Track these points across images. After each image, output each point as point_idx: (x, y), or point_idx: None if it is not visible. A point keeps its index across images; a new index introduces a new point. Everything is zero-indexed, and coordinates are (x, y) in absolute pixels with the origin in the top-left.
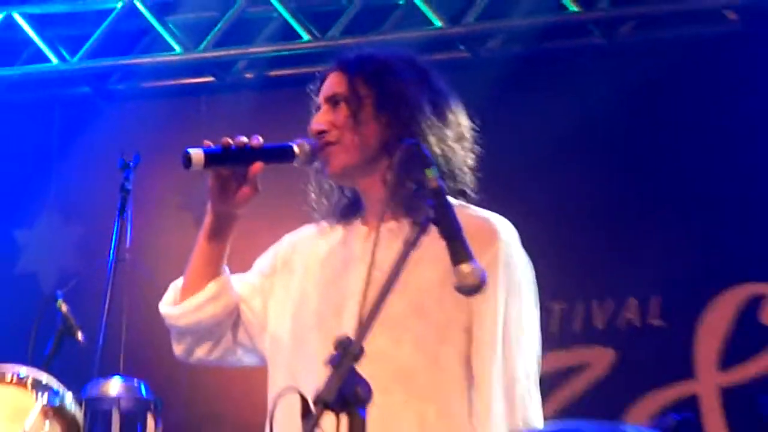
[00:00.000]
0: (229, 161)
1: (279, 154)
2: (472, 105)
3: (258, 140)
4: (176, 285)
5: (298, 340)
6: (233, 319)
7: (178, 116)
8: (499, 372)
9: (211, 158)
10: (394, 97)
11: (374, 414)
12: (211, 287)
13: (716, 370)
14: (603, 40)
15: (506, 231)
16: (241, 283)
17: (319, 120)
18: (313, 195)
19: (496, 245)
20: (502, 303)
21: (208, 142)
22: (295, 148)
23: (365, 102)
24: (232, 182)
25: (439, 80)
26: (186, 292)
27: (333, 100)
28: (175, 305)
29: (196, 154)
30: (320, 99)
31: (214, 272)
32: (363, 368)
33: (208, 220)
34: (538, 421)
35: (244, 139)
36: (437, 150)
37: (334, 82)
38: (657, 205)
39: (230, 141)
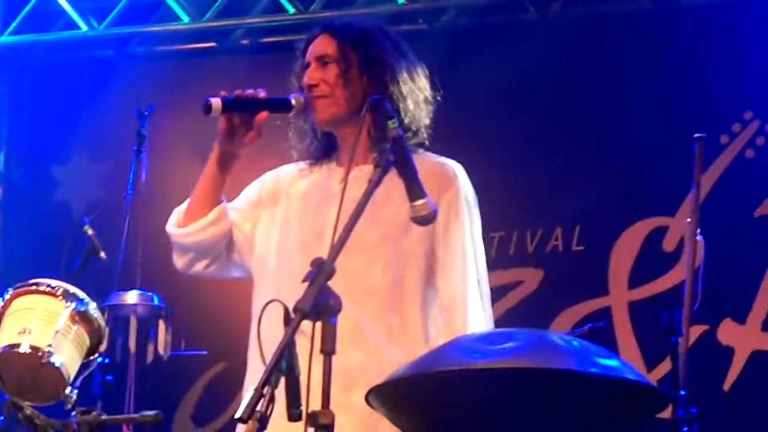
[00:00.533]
0: (240, 108)
1: (279, 105)
2: (430, 69)
3: (263, 93)
4: (180, 209)
5: (282, 260)
6: (227, 240)
7: (185, 75)
8: (474, 285)
9: (226, 105)
10: (376, 61)
11: (349, 322)
12: (213, 213)
13: (626, 288)
14: (537, 15)
15: (461, 173)
16: (232, 211)
17: (312, 76)
18: (292, 140)
19: (456, 184)
20: (468, 229)
21: (223, 93)
22: (293, 101)
23: (352, 64)
24: (240, 126)
25: (408, 49)
26: (190, 216)
27: (323, 60)
28: (181, 226)
29: (215, 101)
30: (309, 58)
31: (215, 200)
32: (341, 284)
33: (214, 156)
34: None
35: (251, 91)
36: (407, 106)
37: (323, 44)
38: (579, 153)
39: (242, 93)
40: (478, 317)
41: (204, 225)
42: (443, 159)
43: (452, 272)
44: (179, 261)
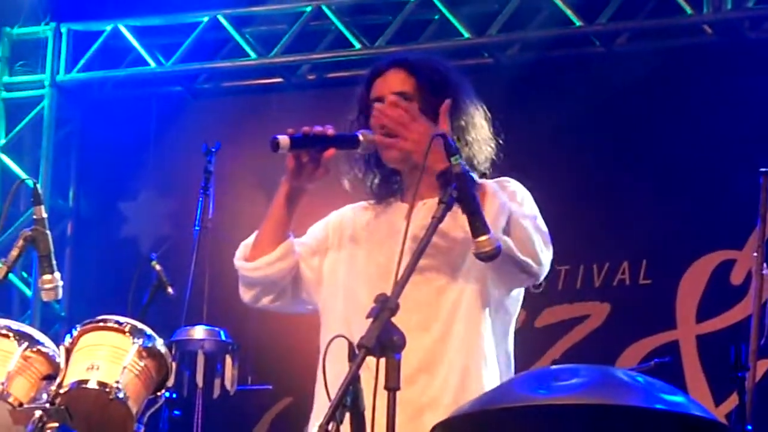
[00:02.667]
0: (308, 145)
1: (347, 142)
2: (495, 101)
3: (331, 130)
4: (247, 243)
5: (348, 295)
6: (294, 275)
7: (252, 111)
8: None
9: (294, 143)
10: (454, 104)
11: (417, 352)
12: (281, 248)
13: (694, 322)
14: (602, 49)
15: (512, 181)
16: (300, 246)
17: (386, 112)
18: (353, 176)
19: (510, 185)
20: (528, 200)
21: (291, 130)
22: (360, 137)
23: (431, 103)
24: (308, 163)
25: (471, 86)
26: (258, 250)
27: (402, 96)
28: (249, 260)
29: (283, 139)
30: (383, 92)
31: (283, 236)
32: (411, 314)
33: (282, 192)
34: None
35: (320, 128)
36: (471, 143)
37: (400, 80)
38: (647, 187)
39: (310, 129)
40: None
41: (272, 260)
42: (500, 178)
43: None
44: (246, 295)
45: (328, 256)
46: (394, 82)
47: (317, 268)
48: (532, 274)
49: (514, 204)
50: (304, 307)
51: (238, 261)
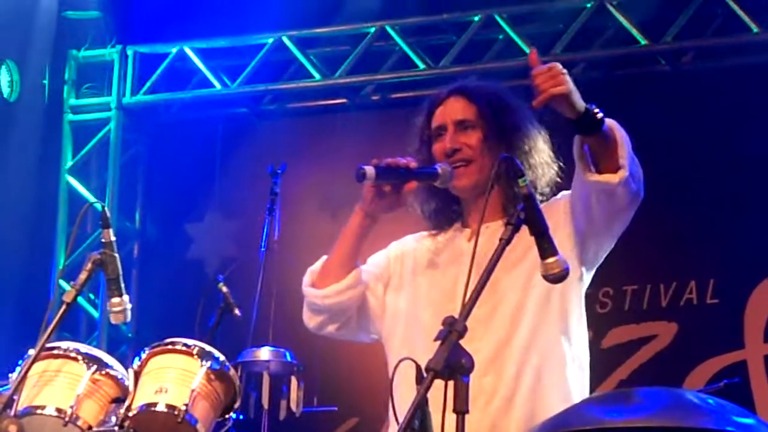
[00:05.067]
0: (392, 177)
1: (427, 175)
2: (559, 122)
3: (414, 162)
4: (314, 270)
5: (413, 319)
6: (360, 303)
7: (316, 132)
8: None
9: (380, 174)
10: (515, 128)
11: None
12: (351, 276)
13: (762, 341)
14: (668, 68)
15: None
16: (365, 274)
17: (454, 141)
18: (418, 204)
19: (563, 198)
20: None
21: (375, 161)
22: (439, 170)
23: (493, 130)
24: (389, 194)
25: (533, 113)
26: (327, 277)
27: (463, 125)
28: (318, 287)
29: (369, 170)
30: (445, 121)
31: (353, 264)
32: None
33: (355, 220)
34: None
35: (403, 161)
36: (536, 166)
37: (461, 108)
38: (714, 206)
39: (394, 162)
40: None
41: (342, 288)
42: (559, 194)
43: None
44: (311, 321)
45: (390, 286)
46: (455, 110)
47: (381, 296)
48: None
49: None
50: (368, 337)
51: (307, 288)
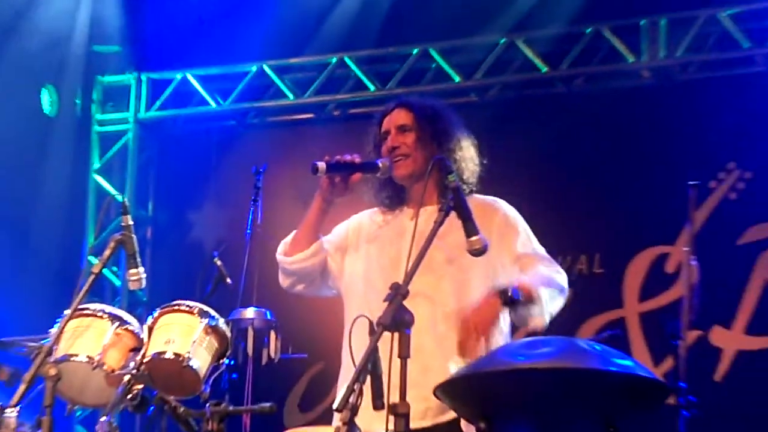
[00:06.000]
0: (340, 170)
1: (370, 168)
2: (481, 133)
3: (358, 158)
4: (286, 241)
5: (367, 283)
6: (322, 267)
7: (290, 139)
8: (540, 248)
9: (330, 167)
10: (443, 131)
11: (425, 320)
12: (313, 247)
13: (637, 302)
14: (564, 89)
15: (501, 201)
16: (327, 243)
17: (395, 140)
18: (372, 191)
19: (498, 208)
20: (521, 227)
21: (327, 158)
22: (380, 164)
23: (426, 132)
24: (339, 183)
25: (461, 121)
26: (295, 247)
27: (402, 128)
28: (288, 255)
29: (321, 164)
30: (389, 126)
31: (315, 237)
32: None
33: (316, 203)
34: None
35: (349, 157)
36: (462, 164)
37: (402, 116)
38: (600, 197)
39: (342, 158)
40: (554, 266)
41: (306, 256)
42: (488, 197)
43: (525, 256)
44: (284, 282)
45: (348, 252)
46: (397, 118)
47: (340, 262)
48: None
49: (520, 245)
50: (329, 292)
51: (279, 255)
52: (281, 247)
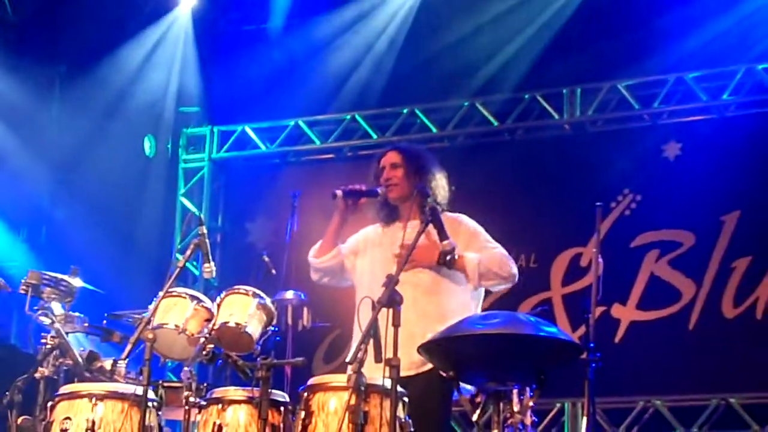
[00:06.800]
0: (352, 196)
1: (372, 194)
2: (448, 168)
3: (365, 187)
4: (315, 247)
5: (371, 276)
6: (341, 266)
7: (317, 173)
8: (497, 245)
9: (345, 194)
10: (423, 168)
11: (411, 303)
12: (334, 251)
13: (560, 286)
14: (508, 138)
15: (465, 216)
16: (344, 248)
17: (388, 175)
18: (373, 211)
19: (464, 221)
20: (481, 233)
21: (342, 187)
22: (379, 191)
23: (411, 169)
24: (350, 205)
25: (436, 160)
26: (321, 252)
27: (394, 165)
28: (316, 257)
29: (339, 192)
30: (384, 164)
31: (335, 244)
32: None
33: (335, 220)
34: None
35: (358, 186)
36: (436, 191)
37: (395, 157)
38: (536, 216)
39: (353, 187)
40: (505, 254)
41: (329, 258)
42: (455, 214)
43: (485, 248)
44: (314, 277)
45: (358, 255)
46: (391, 158)
47: (353, 261)
48: (512, 280)
49: (482, 243)
50: (346, 284)
51: (310, 258)
52: (311, 252)
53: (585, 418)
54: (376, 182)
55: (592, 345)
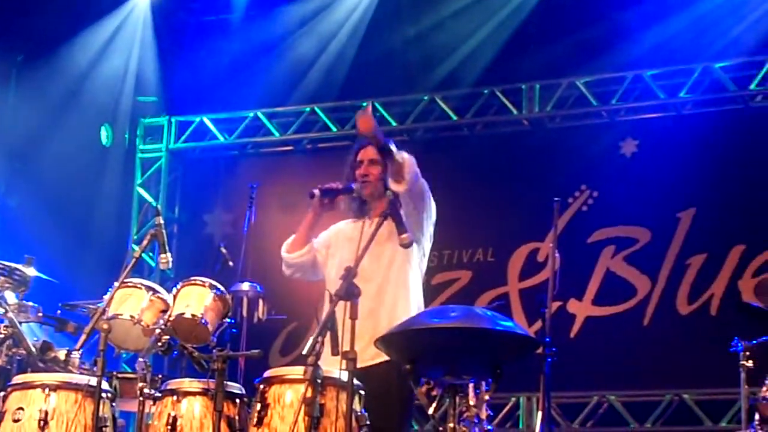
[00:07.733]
0: (329, 194)
1: (348, 191)
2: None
3: (340, 185)
4: (288, 242)
5: (339, 269)
6: (313, 261)
7: (276, 166)
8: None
9: (322, 193)
10: (397, 166)
11: (369, 297)
12: (307, 247)
13: (518, 281)
14: (468, 133)
15: (406, 153)
16: (316, 244)
17: (365, 170)
18: (344, 205)
19: (405, 156)
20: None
21: (320, 186)
22: (354, 187)
23: (386, 166)
24: (327, 202)
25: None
26: (294, 247)
27: (371, 161)
28: (289, 253)
29: (316, 192)
30: (363, 158)
31: (308, 240)
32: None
33: (310, 216)
34: None
35: (334, 185)
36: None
37: (371, 153)
38: (495, 210)
39: (330, 185)
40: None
41: (302, 254)
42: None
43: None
44: (286, 272)
45: (329, 249)
46: (370, 153)
47: (325, 256)
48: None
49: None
50: (316, 278)
51: (283, 253)
52: (284, 247)
53: (540, 413)
54: (351, 173)
55: (548, 340)
